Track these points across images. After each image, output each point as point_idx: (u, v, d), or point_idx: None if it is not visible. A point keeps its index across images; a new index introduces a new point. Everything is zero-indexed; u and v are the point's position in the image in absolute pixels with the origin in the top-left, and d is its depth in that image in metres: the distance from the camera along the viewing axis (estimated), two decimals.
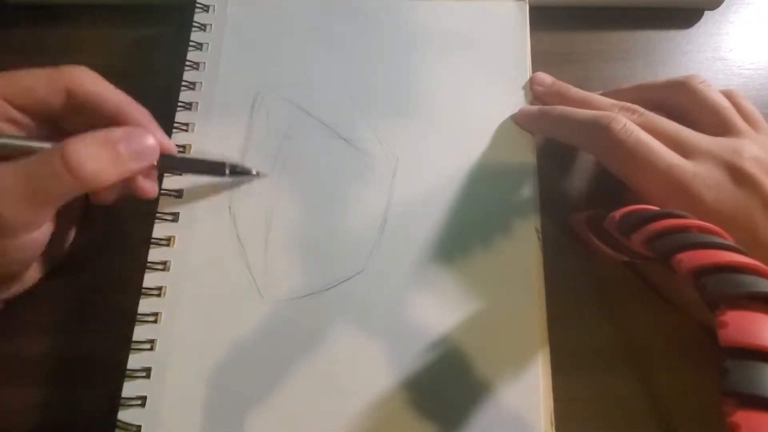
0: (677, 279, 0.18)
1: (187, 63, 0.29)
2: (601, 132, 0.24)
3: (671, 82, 0.27)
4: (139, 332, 0.24)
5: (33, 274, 0.26)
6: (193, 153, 0.28)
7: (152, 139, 0.24)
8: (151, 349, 0.24)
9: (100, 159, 0.22)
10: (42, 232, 0.23)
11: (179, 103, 0.29)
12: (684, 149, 0.24)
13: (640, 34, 0.34)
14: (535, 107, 0.28)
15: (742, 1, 0.35)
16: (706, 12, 0.35)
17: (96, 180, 0.22)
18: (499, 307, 0.25)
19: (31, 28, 0.33)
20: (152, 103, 0.30)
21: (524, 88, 0.30)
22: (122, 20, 0.33)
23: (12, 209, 0.20)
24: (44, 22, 0.33)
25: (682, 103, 0.26)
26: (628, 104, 0.26)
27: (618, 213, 0.22)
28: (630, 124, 0.24)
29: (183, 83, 0.29)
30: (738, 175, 0.23)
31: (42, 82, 0.23)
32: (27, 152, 0.22)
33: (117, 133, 0.23)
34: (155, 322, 0.25)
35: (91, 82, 0.24)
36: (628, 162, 0.24)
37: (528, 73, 0.30)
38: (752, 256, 0.17)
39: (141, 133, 0.24)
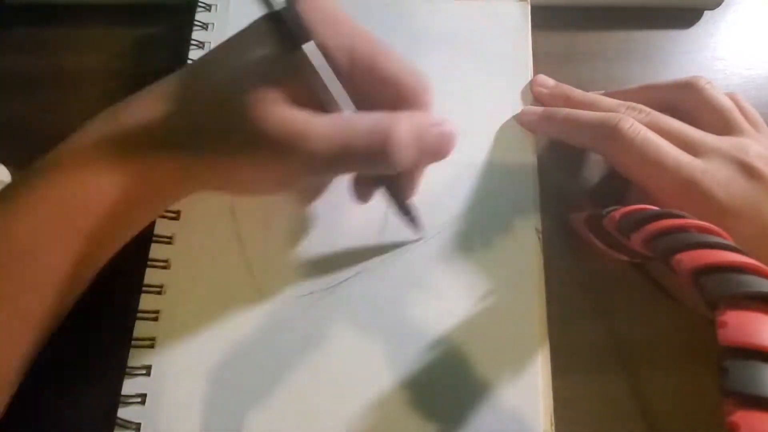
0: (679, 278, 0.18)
1: (188, 61, 0.29)
2: (609, 132, 0.25)
3: (676, 82, 0.27)
4: (140, 330, 0.24)
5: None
6: None
7: (454, 133, 0.22)
8: (152, 346, 0.24)
9: (409, 146, 0.20)
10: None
11: None
12: (691, 147, 0.24)
13: (640, 34, 0.34)
14: (539, 108, 0.28)
15: (742, 1, 0.35)
16: (706, 12, 0.35)
17: (397, 165, 0.20)
18: (499, 307, 0.25)
19: (31, 28, 0.33)
20: None
21: (526, 88, 0.30)
22: (122, 19, 0.33)
23: (320, 148, 0.20)
24: (44, 22, 0.33)
25: (687, 103, 0.27)
26: (634, 104, 0.26)
27: (618, 213, 0.22)
28: (637, 123, 0.24)
29: None
30: (747, 170, 0.23)
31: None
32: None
33: (426, 121, 0.21)
34: (156, 319, 0.25)
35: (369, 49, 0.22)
36: (637, 161, 0.24)
37: (530, 73, 0.30)
38: (763, 251, 0.17)
39: (449, 127, 0.22)
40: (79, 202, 0.21)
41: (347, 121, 0.21)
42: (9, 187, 0.22)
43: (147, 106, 0.22)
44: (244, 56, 0.21)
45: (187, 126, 0.21)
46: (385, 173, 0.23)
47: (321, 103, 0.21)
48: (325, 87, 0.20)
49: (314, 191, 0.27)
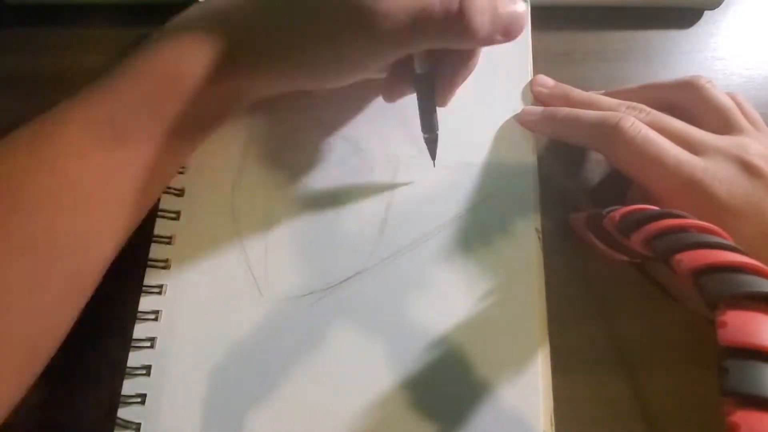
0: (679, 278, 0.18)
1: None
2: (609, 131, 0.25)
3: (677, 82, 0.27)
4: (140, 330, 0.24)
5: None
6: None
7: (524, 7, 0.22)
8: (152, 346, 0.24)
9: (485, 13, 0.21)
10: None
11: None
12: (692, 146, 0.24)
13: (640, 34, 0.34)
14: (539, 108, 0.28)
15: (742, 1, 0.35)
16: (706, 12, 0.35)
17: (474, 36, 0.21)
18: (499, 307, 0.25)
19: (31, 28, 0.33)
20: None
21: (526, 88, 0.30)
22: (123, 19, 0.33)
23: (399, 16, 0.20)
24: (44, 22, 0.33)
25: (688, 102, 0.27)
26: (634, 103, 0.26)
27: (618, 213, 0.22)
28: (638, 122, 0.24)
29: None
30: (748, 169, 0.23)
31: None
32: None
33: None
34: (156, 320, 0.25)
35: None
36: (638, 160, 0.24)
37: (530, 72, 0.30)
38: (764, 250, 0.17)
39: (522, 7, 0.22)
40: (176, 74, 0.22)
41: None
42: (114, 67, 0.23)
43: None
44: None
45: (272, 9, 0.22)
46: (459, 46, 0.23)
47: None
48: None
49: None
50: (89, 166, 0.21)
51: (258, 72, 0.23)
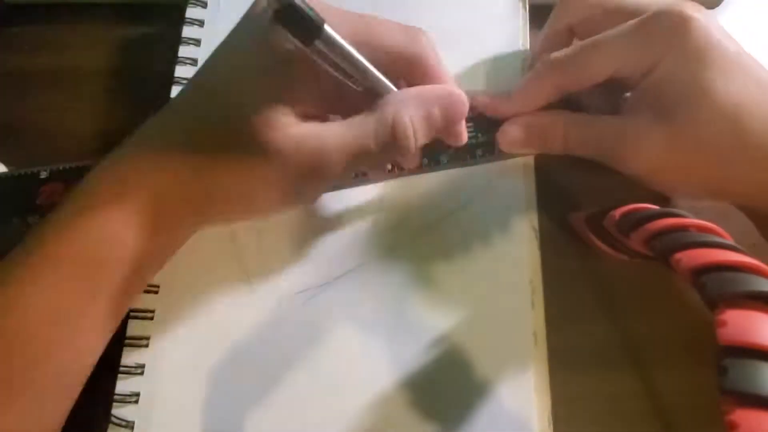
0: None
1: (179, 59, 0.29)
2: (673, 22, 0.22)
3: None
4: (134, 328, 0.24)
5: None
6: None
7: (466, 102, 0.22)
8: (146, 345, 0.24)
9: (419, 129, 0.21)
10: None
11: None
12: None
13: None
14: (523, 117, 0.26)
15: (742, 1, 0.35)
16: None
17: (408, 145, 0.21)
18: (497, 306, 0.25)
19: (31, 27, 0.33)
20: (152, 101, 0.29)
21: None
22: (122, 18, 0.33)
23: (336, 162, 0.20)
24: (44, 21, 0.33)
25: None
26: None
27: (617, 212, 0.22)
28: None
29: (175, 79, 0.29)
30: None
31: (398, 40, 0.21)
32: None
33: (431, 95, 0.21)
34: (150, 319, 0.25)
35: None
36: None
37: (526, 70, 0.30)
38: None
39: (457, 97, 0.22)
40: (100, 258, 0.20)
41: (356, 125, 0.21)
42: (16, 251, 0.20)
43: (152, 152, 0.21)
44: (243, 78, 0.20)
45: (199, 159, 0.20)
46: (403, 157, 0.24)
47: (339, 93, 0.21)
48: (355, 65, 0.20)
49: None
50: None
51: (187, 219, 0.22)
